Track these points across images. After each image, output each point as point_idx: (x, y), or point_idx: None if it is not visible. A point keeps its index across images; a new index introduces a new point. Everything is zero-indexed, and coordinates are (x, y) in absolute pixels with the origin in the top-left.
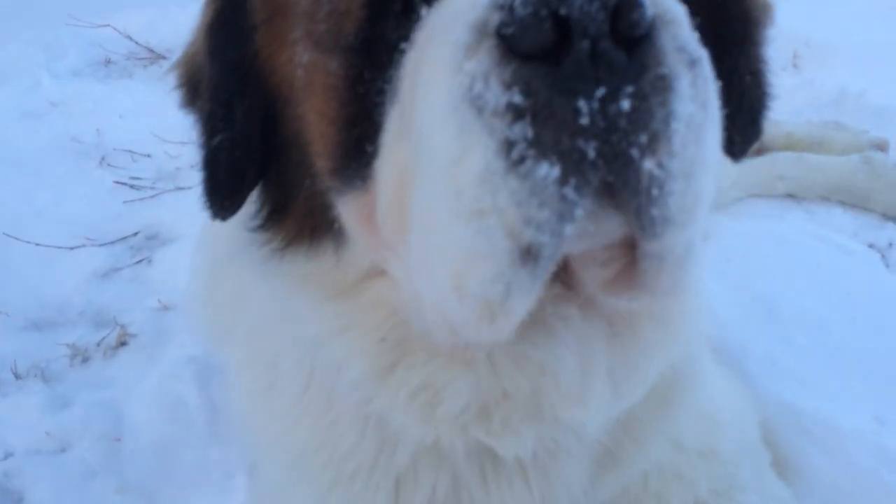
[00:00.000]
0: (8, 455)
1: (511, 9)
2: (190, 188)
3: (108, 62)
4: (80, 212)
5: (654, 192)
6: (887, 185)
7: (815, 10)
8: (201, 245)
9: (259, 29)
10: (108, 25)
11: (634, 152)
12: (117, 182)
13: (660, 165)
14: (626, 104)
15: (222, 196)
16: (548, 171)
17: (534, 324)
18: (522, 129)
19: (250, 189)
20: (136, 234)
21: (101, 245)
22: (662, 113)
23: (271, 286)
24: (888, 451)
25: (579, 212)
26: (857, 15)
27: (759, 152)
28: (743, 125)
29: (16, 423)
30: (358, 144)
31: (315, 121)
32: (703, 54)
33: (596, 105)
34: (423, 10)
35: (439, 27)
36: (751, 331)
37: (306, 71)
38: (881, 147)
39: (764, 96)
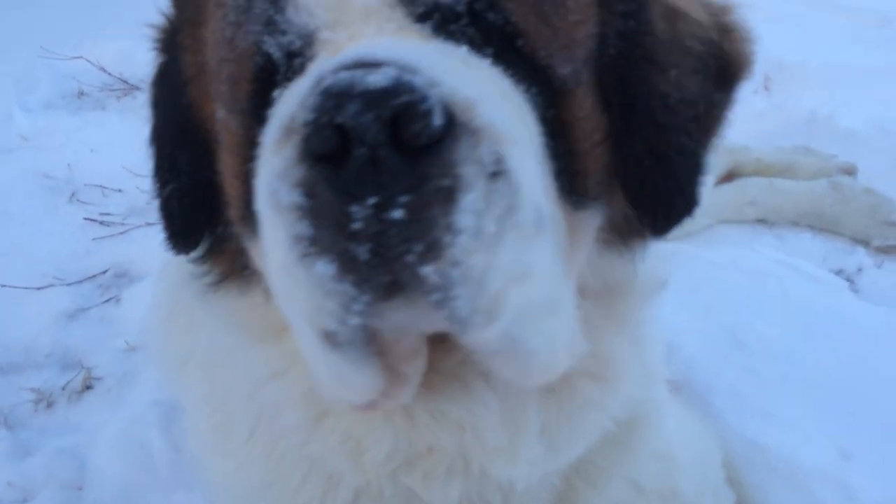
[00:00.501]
0: None
1: (311, 111)
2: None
3: (81, 94)
4: (48, 250)
5: (437, 296)
6: (855, 210)
7: (786, 32)
8: (161, 273)
9: (190, 84)
10: (81, 57)
11: (410, 258)
12: (87, 219)
13: (439, 273)
14: (398, 213)
15: (180, 238)
16: (325, 267)
17: (452, 379)
18: (305, 227)
19: (206, 227)
20: (104, 272)
21: (69, 284)
22: (444, 223)
23: (216, 320)
24: (852, 488)
25: (359, 305)
26: (828, 37)
27: (730, 178)
28: (655, 204)
29: None
30: (247, 196)
31: (225, 172)
32: (511, 167)
33: (370, 211)
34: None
35: (274, 116)
36: (716, 364)
37: (220, 126)
38: (849, 172)
39: (677, 178)
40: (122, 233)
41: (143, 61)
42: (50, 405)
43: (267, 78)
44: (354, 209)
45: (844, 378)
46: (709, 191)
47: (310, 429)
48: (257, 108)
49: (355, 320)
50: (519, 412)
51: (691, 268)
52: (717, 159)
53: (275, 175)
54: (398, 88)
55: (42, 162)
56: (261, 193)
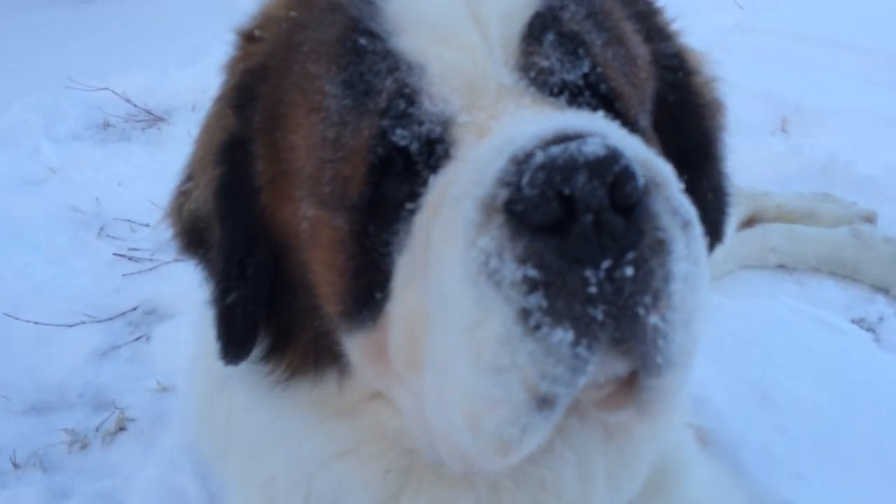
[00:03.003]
0: None
1: (519, 187)
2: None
3: (106, 125)
4: (79, 286)
5: (660, 342)
6: (876, 258)
7: (803, 74)
8: (193, 367)
9: (263, 189)
10: (107, 88)
11: (640, 311)
12: (116, 254)
13: (663, 319)
14: (629, 270)
15: (237, 346)
16: (562, 335)
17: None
18: (538, 299)
19: (259, 333)
20: (134, 308)
21: (99, 322)
22: (662, 273)
23: (271, 411)
24: None
25: (591, 367)
26: (843, 80)
27: (751, 223)
28: (709, 235)
29: None
30: (366, 292)
31: (322, 271)
32: (693, 215)
33: (602, 273)
34: (427, 174)
35: (449, 199)
36: (746, 420)
37: (311, 225)
38: (869, 219)
39: (724, 208)
40: (150, 269)
41: (167, 93)
42: (84, 447)
43: (384, 170)
44: (589, 274)
45: (875, 437)
46: (731, 236)
47: (386, 502)
48: (370, 202)
49: (582, 380)
50: (588, 462)
51: (716, 318)
52: (739, 206)
53: (489, 253)
54: (613, 156)
55: (71, 195)
56: (458, 274)
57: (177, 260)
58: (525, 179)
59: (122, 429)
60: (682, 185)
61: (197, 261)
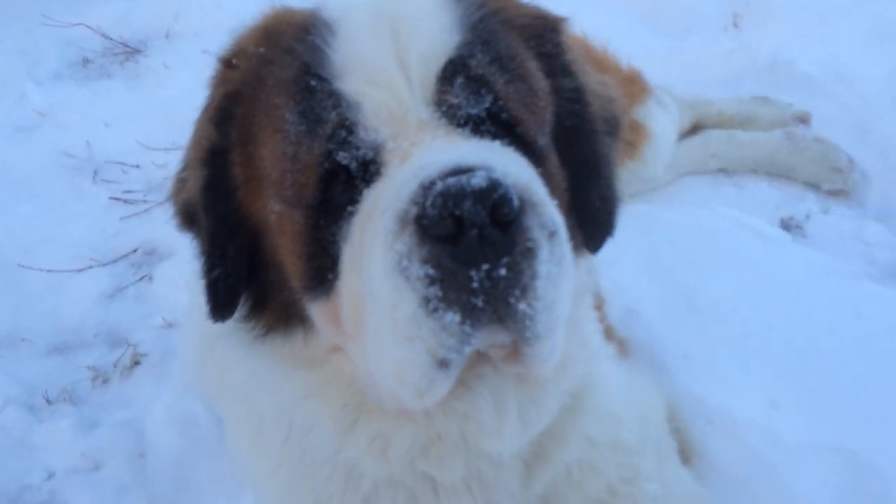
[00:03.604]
0: (50, 476)
1: (424, 207)
2: None
3: (86, 62)
4: (81, 232)
5: (528, 322)
6: (808, 159)
7: None
8: (190, 321)
9: (240, 188)
10: (82, 24)
11: (511, 300)
12: (112, 198)
13: (529, 306)
14: (503, 271)
15: (222, 309)
16: (452, 317)
17: (459, 384)
18: (435, 290)
19: (240, 299)
20: (135, 250)
21: (104, 265)
22: (529, 272)
23: (255, 360)
24: (778, 434)
25: (475, 339)
26: None
27: (695, 131)
28: (595, 220)
29: (54, 446)
30: (320, 272)
31: (286, 254)
32: (559, 227)
33: (483, 273)
34: (363, 186)
35: (377, 210)
36: (672, 327)
37: (277, 218)
38: (804, 120)
39: (612, 212)
40: (145, 210)
41: (141, 22)
42: (105, 381)
43: (330, 180)
44: (473, 273)
45: (780, 334)
46: (674, 147)
47: (342, 438)
48: (321, 206)
49: (468, 349)
50: (503, 402)
51: (653, 232)
52: (682, 115)
53: (401, 255)
54: (493, 185)
55: (62, 140)
56: (381, 268)
57: (168, 200)
58: (428, 202)
59: (136, 363)
60: (555, 202)
61: (192, 237)
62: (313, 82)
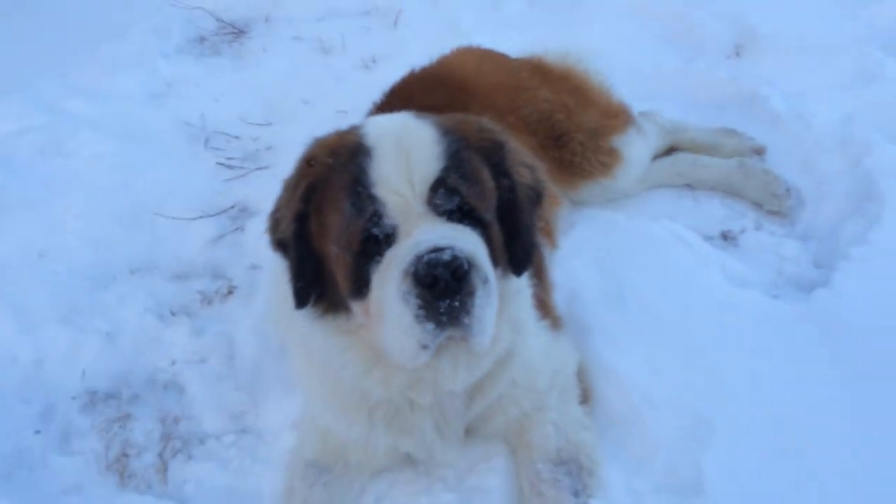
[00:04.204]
0: (173, 363)
1: (416, 268)
2: (267, 168)
3: (202, 39)
4: (195, 189)
5: (469, 327)
6: (755, 184)
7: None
8: (273, 288)
9: (314, 236)
10: (200, 8)
11: (461, 317)
12: (218, 163)
13: (469, 319)
14: (457, 303)
15: (301, 304)
16: (429, 325)
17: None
18: (421, 311)
19: (311, 297)
20: (232, 206)
21: (210, 216)
22: (470, 303)
23: (315, 328)
24: (650, 391)
25: (441, 336)
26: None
27: (670, 152)
28: (519, 259)
29: (175, 344)
30: (358, 289)
31: (339, 276)
32: (490, 276)
33: (446, 304)
34: (385, 247)
35: (392, 263)
36: (603, 310)
37: (335, 256)
38: (759, 152)
39: (527, 257)
40: (242, 175)
41: (245, 7)
42: (210, 303)
43: (370, 241)
44: (441, 304)
45: (674, 321)
46: (646, 166)
47: (363, 374)
48: (361, 253)
49: (438, 340)
50: (456, 362)
51: (610, 235)
52: (661, 139)
53: (405, 291)
54: (454, 259)
55: (183, 110)
56: (393, 295)
57: (259, 168)
58: (420, 267)
59: (230, 293)
60: (498, 253)
61: (281, 258)
62: (359, 188)
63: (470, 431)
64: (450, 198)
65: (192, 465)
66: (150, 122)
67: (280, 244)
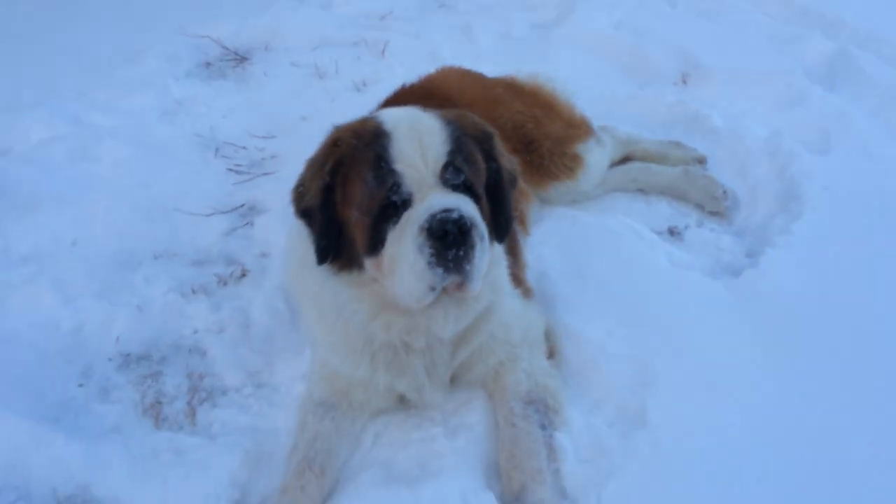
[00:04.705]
0: (195, 332)
1: (430, 224)
2: (272, 173)
3: (208, 64)
4: (209, 190)
5: (469, 272)
6: (697, 189)
7: (713, 28)
8: (290, 250)
9: (337, 204)
10: (207, 36)
11: (464, 264)
12: (228, 169)
13: (470, 266)
14: (462, 252)
15: (323, 260)
16: (439, 269)
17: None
18: (433, 258)
19: (330, 254)
20: (242, 205)
21: (223, 213)
22: (472, 253)
23: (331, 281)
24: (608, 348)
25: (447, 279)
26: (750, 35)
27: (624, 161)
28: (501, 228)
29: (197, 316)
30: (374, 245)
31: (358, 237)
32: (486, 235)
33: (453, 252)
34: (402, 210)
35: (409, 222)
36: (565, 285)
37: (356, 219)
38: (701, 161)
39: (507, 226)
40: (249, 179)
41: (247, 36)
42: (225, 284)
43: (388, 206)
44: (450, 252)
45: (628, 293)
46: (606, 171)
47: (370, 320)
48: (380, 217)
49: (444, 282)
50: (447, 311)
51: (573, 227)
52: (616, 149)
53: (420, 243)
54: (461, 217)
55: (193, 124)
56: (409, 247)
57: (264, 174)
58: (433, 223)
59: (243, 276)
60: (486, 222)
61: (305, 223)
62: (382, 163)
63: (454, 380)
64: (457, 175)
65: (217, 411)
66: (165, 134)
67: (304, 212)
